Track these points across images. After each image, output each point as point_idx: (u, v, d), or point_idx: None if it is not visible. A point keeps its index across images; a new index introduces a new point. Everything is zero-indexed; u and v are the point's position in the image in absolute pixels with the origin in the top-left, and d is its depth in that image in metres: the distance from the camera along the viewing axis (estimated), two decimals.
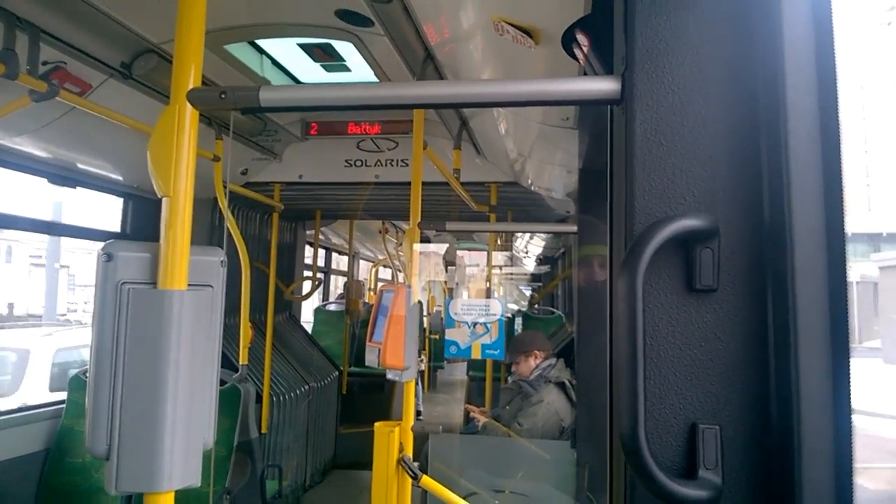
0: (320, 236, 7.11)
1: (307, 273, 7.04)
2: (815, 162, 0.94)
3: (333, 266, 9.68)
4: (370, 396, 6.98)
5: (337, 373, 6.50)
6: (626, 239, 1.05)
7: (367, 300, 9.10)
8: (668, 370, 1.00)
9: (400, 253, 9.75)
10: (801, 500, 0.89)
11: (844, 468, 0.89)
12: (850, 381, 0.90)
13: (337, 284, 10.06)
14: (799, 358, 0.91)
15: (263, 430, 4.70)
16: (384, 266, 11.84)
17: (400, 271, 11.04)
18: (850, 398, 0.90)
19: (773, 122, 0.97)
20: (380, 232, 8.60)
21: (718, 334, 0.99)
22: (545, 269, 11.21)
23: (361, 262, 11.10)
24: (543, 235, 9.07)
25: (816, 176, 0.93)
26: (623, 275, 0.96)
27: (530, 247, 11.03)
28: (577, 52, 1.63)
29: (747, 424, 0.98)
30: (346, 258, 9.55)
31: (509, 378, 4.99)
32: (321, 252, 8.18)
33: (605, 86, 1.12)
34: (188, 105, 1.32)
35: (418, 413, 8.16)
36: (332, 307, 8.39)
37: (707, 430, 0.98)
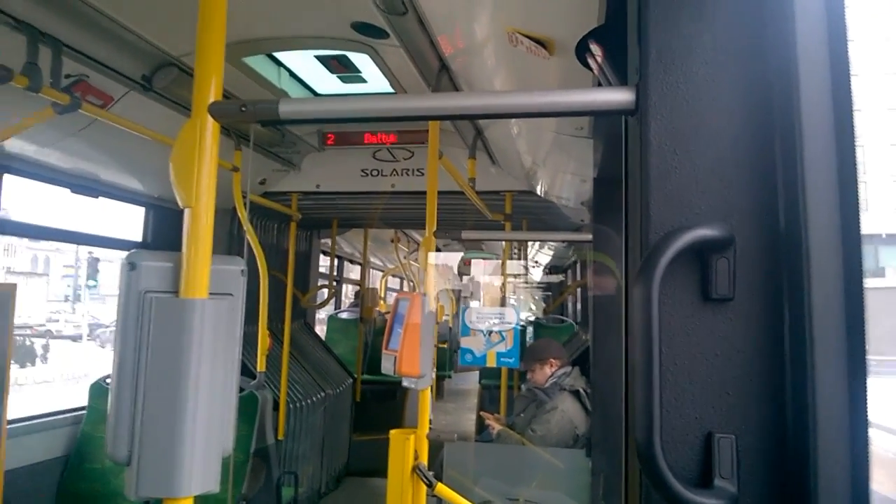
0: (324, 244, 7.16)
1: (321, 281, 7.09)
2: (830, 170, 0.94)
3: (343, 275, 9.71)
4: (383, 404, 6.99)
5: (351, 380, 6.51)
6: (641, 248, 1.05)
7: (378, 309, 9.11)
8: (684, 379, 1.00)
9: (411, 262, 9.78)
10: None
11: (861, 478, 0.89)
12: (866, 391, 0.90)
13: (346, 293, 10.07)
14: (815, 367, 0.91)
15: (280, 437, 4.72)
16: (392, 275, 11.86)
17: (411, 281, 11.05)
18: (866, 407, 0.90)
19: (787, 131, 0.97)
20: (391, 241, 8.64)
21: (734, 344, 0.99)
22: (555, 278, 11.17)
23: (371, 270, 11.12)
24: (553, 245, 9.05)
25: (832, 184, 0.94)
26: (638, 284, 0.97)
27: (539, 256, 10.97)
28: (590, 62, 1.64)
29: (763, 434, 0.98)
30: (354, 267, 9.59)
31: (523, 386, 4.98)
32: (334, 261, 8.22)
33: (619, 96, 1.13)
34: (209, 118, 1.35)
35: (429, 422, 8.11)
36: (343, 315, 8.39)
37: (723, 439, 0.98)
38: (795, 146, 0.95)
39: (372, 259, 10.70)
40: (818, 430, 0.90)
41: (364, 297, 7.75)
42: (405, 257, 9.34)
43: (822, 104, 0.95)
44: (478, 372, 7.68)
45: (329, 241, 7.04)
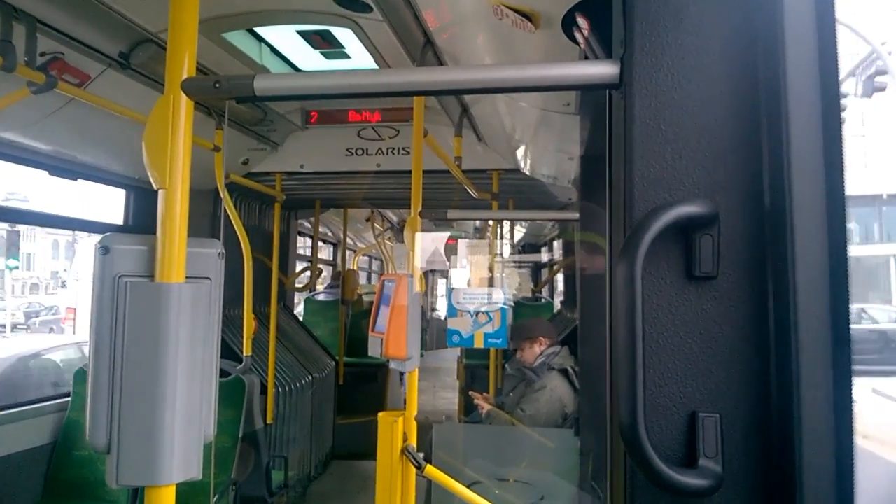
0: (307, 225, 7.07)
1: (299, 263, 7.03)
2: (816, 147, 0.92)
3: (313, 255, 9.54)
4: (364, 387, 6.97)
5: (333, 363, 6.50)
6: (625, 226, 1.03)
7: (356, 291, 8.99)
8: (668, 358, 0.99)
9: (385, 241, 9.76)
10: (801, 487, 0.89)
11: (845, 455, 0.89)
12: (850, 368, 0.89)
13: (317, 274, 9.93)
14: (799, 345, 0.90)
15: (269, 421, 4.71)
16: (363, 255, 11.76)
17: (378, 259, 11.00)
18: (850, 385, 0.89)
19: (773, 107, 0.95)
20: (367, 220, 8.59)
21: (718, 322, 0.98)
22: (531, 256, 11.09)
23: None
24: (525, 222, 8.99)
25: (817, 161, 0.92)
26: (622, 262, 0.95)
27: (510, 234, 10.84)
28: (577, 35, 1.61)
29: (747, 412, 0.97)
30: (325, 247, 9.48)
31: (507, 365, 4.98)
32: (307, 241, 8.12)
33: (603, 70, 1.11)
34: (182, 95, 1.31)
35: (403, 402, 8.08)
36: (320, 297, 8.13)
37: (707, 418, 0.97)
38: (781, 122, 0.94)
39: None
40: (802, 409, 0.89)
41: (345, 278, 7.68)
42: (377, 236, 9.32)
43: (809, 80, 0.93)
44: (448, 350, 7.62)
45: (302, 222, 6.96)
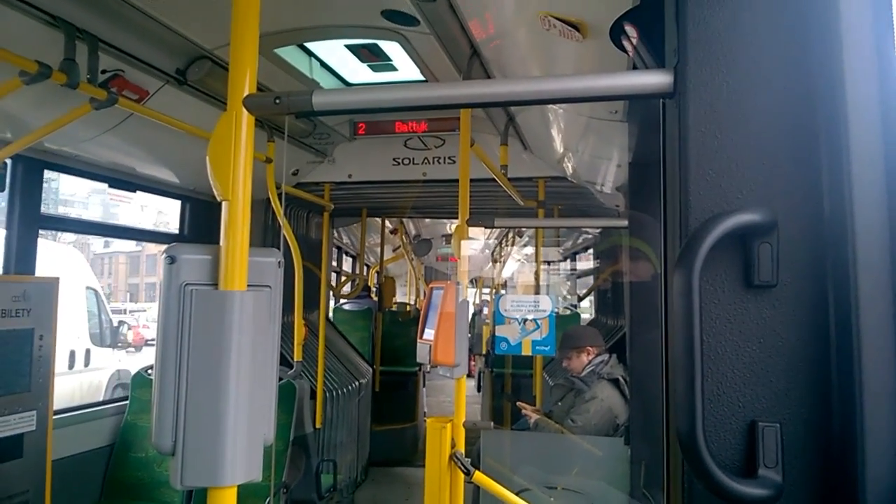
0: (334, 234, 7.12)
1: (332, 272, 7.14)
2: (876, 152, 0.91)
3: (342, 266, 9.54)
4: (397, 394, 7.05)
5: (371, 371, 6.54)
6: (681, 234, 1.03)
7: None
8: (727, 367, 0.98)
9: (410, 257, 9.86)
10: (864, 498, 0.87)
11: None
12: None
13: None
14: (861, 354, 0.88)
15: (317, 426, 4.78)
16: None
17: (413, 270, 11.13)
18: None
19: (832, 113, 0.94)
20: (392, 233, 8.66)
21: (778, 330, 0.97)
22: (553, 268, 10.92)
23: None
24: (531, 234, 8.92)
25: (878, 167, 0.91)
26: (679, 271, 0.95)
27: (527, 249, 10.68)
28: (625, 44, 1.61)
29: (808, 422, 0.96)
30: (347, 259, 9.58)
31: (545, 374, 4.94)
32: (333, 251, 8.19)
33: (657, 79, 1.11)
34: (245, 111, 1.36)
35: (424, 414, 8.11)
36: (347, 307, 7.99)
37: (767, 427, 0.96)
38: (840, 128, 0.93)
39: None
40: (865, 418, 0.88)
41: (384, 287, 7.74)
42: (396, 249, 9.37)
43: (867, 83, 0.92)
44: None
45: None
